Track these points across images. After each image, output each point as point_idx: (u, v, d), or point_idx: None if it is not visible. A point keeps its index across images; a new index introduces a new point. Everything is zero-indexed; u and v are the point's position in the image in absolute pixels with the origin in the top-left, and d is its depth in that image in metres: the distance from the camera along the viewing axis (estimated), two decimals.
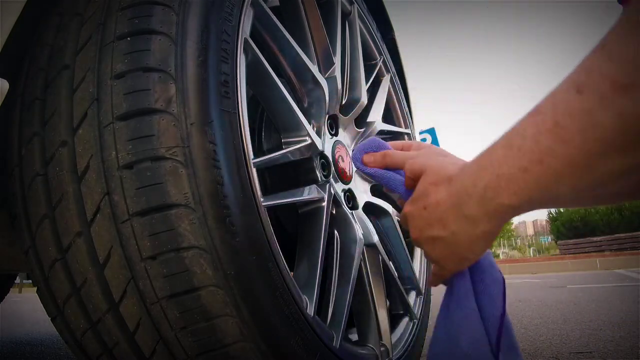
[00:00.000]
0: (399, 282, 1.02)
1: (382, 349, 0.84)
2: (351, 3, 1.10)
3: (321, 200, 0.77)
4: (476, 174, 0.47)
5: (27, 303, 5.35)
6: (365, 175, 0.77)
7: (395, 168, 0.67)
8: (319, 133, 0.83)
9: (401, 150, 0.70)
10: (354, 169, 0.97)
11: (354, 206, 0.93)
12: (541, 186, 0.41)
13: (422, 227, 0.55)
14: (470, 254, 0.52)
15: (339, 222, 0.85)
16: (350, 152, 0.95)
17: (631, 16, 0.35)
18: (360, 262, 0.84)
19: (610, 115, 0.35)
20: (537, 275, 8.06)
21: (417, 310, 1.09)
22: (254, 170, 0.58)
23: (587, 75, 0.37)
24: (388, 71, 1.33)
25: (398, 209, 1.19)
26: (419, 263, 1.24)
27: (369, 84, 1.16)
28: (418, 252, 1.28)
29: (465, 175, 0.49)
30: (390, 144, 0.73)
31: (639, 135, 0.35)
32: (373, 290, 0.87)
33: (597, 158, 0.37)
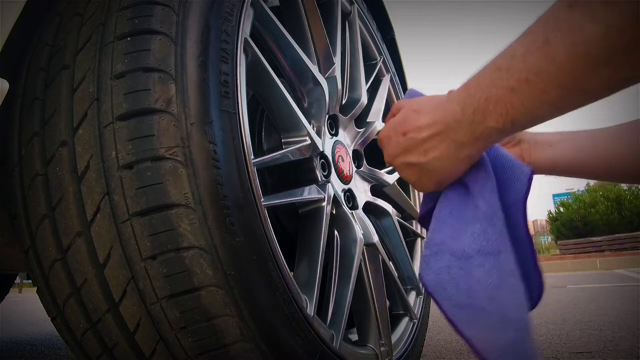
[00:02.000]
0: (399, 282, 1.02)
1: (382, 349, 0.84)
2: (351, 3, 1.10)
3: (321, 200, 0.77)
4: (464, 100, 0.47)
5: (27, 303, 5.35)
6: None
7: None
8: (318, 133, 0.83)
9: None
10: (354, 169, 0.97)
11: (354, 206, 0.93)
12: (526, 106, 0.41)
13: (398, 153, 0.55)
14: (449, 177, 0.52)
15: (339, 222, 0.85)
16: (350, 152, 0.94)
17: None
18: (360, 262, 0.84)
19: (599, 29, 0.35)
20: None
21: (417, 310, 1.09)
22: (254, 170, 0.58)
23: None
24: (388, 71, 1.33)
25: (398, 208, 1.19)
26: (419, 263, 1.24)
27: (369, 84, 1.16)
28: (418, 252, 1.28)
29: (453, 102, 0.49)
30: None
31: (624, 48, 0.35)
32: (373, 290, 0.87)
33: (582, 75, 0.37)
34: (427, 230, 0.58)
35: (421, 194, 1.13)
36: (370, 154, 1.11)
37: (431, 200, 0.60)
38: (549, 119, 0.44)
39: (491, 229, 0.48)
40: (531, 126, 0.46)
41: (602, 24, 0.35)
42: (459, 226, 0.50)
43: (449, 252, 0.49)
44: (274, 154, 0.68)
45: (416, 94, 0.65)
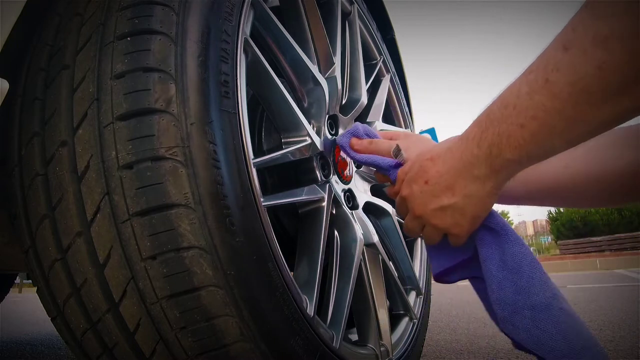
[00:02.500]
0: (399, 282, 1.02)
1: (382, 349, 0.84)
2: (351, 3, 1.10)
3: (321, 200, 0.77)
4: (479, 136, 0.49)
5: (27, 303, 5.35)
6: (350, 159, 0.78)
7: (380, 155, 0.68)
8: (319, 133, 0.83)
9: (390, 139, 0.71)
10: (354, 169, 0.97)
11: (354, 206, 0.93)
12: (538, 140, 0.44)
13: (426, 201, 0.57)
14: (482, 212, 0.54)
15: (339, 222, 0.85)
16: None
17: None
18: (360, 262, 0.84)
19: (592, 67, 0.38)
20: None
21: (417, 310, 1.09)
22: (254, 170, 0.58)
23: (573, 32, 0.40)
24: (388, 71, 1.33)
25: None
26: (419, 263, 1.24)
27: (369, 84, 1.16)
28: (418, 252, 1.28)
29: (467, 140, 0.52)
30: (379, 133, 0.73)
31: (618, 84, 0.38)
32: (373, 290, 0.87)
33: (584, 108, 0.40)
34: (446, 283, 0.65)
35: None
36: None
37: (444, 258, 0.63)
38: (565, 149, 0.46)
39: (540, 273, 0.55)
40: (549, 157, 0.49)
41: (595, 65, 0.38)
42: (517, 278, 0.55)
43: (528, 307, 0.53)
44: (274, 154, 0.68)
45: (368, 132, 0.71)
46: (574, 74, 0.40)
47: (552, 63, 0.42)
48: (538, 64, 0.44)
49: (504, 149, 0.47)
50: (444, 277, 0.65)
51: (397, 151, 0.65)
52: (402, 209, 0.64)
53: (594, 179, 0.60)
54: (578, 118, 0.41)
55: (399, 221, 1.12)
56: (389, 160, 0.66)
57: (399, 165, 0.65)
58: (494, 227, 0.57)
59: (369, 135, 0.72)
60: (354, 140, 0.72)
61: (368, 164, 0.70)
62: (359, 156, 0.71)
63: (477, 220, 0.56)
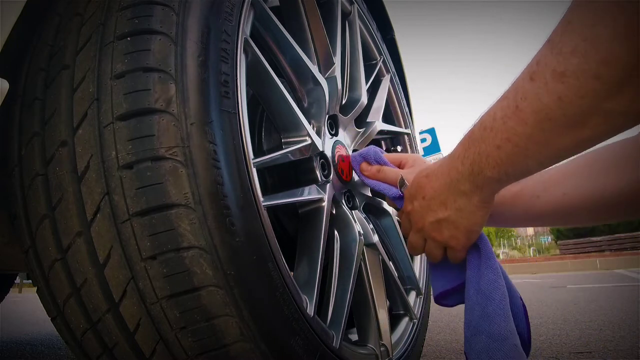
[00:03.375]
0: (399, 282, 1.02)
1: (382, 349, 0.84)
2: (351, 3, 1.10)
3: (321, 200, 0.77)
4: (463, 155, 0.53)
5: (27, 303, 5.35)
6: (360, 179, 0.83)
7: (387, 183, 0.72)
8: (319, 133, 0.83)
9: (399, 164, 0.75)
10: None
11: (353, 206, 0.93)
12: (513, 160, 0.48)
13: (424, 215, 0.61)
14: (474, 225, 0.58)
15: (339, 222, 0.85)
16: (350, 152, 0.96)
17: (567, 15, 0.40)
18: (360, 262, 0.84)
19: (553, 99, 0.41)
20: (537, 275, 8.06)
21: (417, 310, 1.09)
22: (254, 170, 0.58)
23: (537, 64, 0.43)
24: (388, 71, 1.33)
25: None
26: (419, 263, 1.24)
27: (369, 84, 1.16)
28: None
29: (454, 158, 0.56)
30: (387, 157, 0.76)
31: (577, 116, 0.40)
32: (373, 290, 0.87)
33: (550, 135, 0.43)
34: (445, 306, 0.70)
35: None
36: None
37: (445, 280, 0.68)
38: (539, 170, 0.50)
39: (506, 305, 0.59)
40: (526, 176, 0.52)
41: (555, 97, 0.41)
42: (486, 304, 0.58)
43: (486, 334, 0.57)
44: (274, 154, 0.68)
45: (378, 158, 0.75)
46: (539, 103, 0.42)
47: (521, 91, 0.45)
48: (510, 91, 0.47)
49: (484, 167, 0.50)
50: (443, 300, 0.69)
51: (402, 183, 0.69)
52: (406, 225, 0.68)
53: (592, 203, 0.62)
54: (546, 143, 0.44)
55: (398, 221, 1.12)
56: (395, 191, 0.71)
57: (402, 197, 0.69)
58: (481, 250, 0.60)
59: (378, 162, 0.76)
60: (364, 165, 0.78)
61: (375, 189, 0.75)
62: (367, 180, 0.75)
63: (472, 234, 0.59)
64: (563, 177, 0.64)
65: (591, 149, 0.64)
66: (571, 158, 0.66)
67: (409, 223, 0.66)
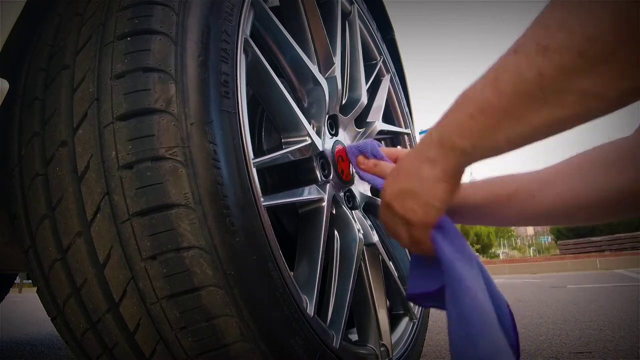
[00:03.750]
0: (399, 282, 1.02)
1: (382, 349, 0.84)
2: (351, 3, 1.10)
3: (321, 200, 0.77)
4: (438, 123, 0.54)
5: (27, 303, 5.35)
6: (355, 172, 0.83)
7: (383, 178, 0.71)
8: (319, 133, 0.83)
9: (395, 159, 0.75)
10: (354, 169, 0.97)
11: (353, 206, 0.93)
12: (483, 131, 0.47)
13: (392, 185, 0.60)
14: (434, 198, 0.56)
15: (339, 222, 0.85)
16: (347, 145, 0.96)
17: None
18: (360, 262, 0.84)
19: (533, 73, 0.41)
20: (537, 275, 8.06)
21: (417, 310, 1.09)
22: (254, 170, 0.58)
23: (523, 37, 0.43)
24: (388, 71, 1.33)
25: None
26: None
27: (369, 84, 1.16)
28: None
29: (430, 128, 0.56)
30: (385, 152, 0.76)
31: (555, 92, 0.41)
32: (373, 290, 0.87)
33: (525, 109, 0.43)
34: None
35: None
36: None
37: (422, 283, 0.66)
38: (508, 151, 0.50)
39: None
40: (492, 154, 0.52)
41: (536, 72, 0.41)
42: (468, 327, 0.56)
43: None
44: (274, 154, 0.68)
45: (376, 153, 0.74)
46: (518, 76, 0.43)
47: (503, 64, 0.45)
48: (494, 64, 0.47)
49: (453, 135, 0.50)
50: (417, 299, 0.67)
51: None
52: (382, 203, 0.66)
53: (588, 203, 0.62)
54: (519, 118, 0.44)
55: None
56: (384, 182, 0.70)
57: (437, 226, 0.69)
58: (459, 255, 0.59)
59: (375, 156, 0.75)
60: (361, 159, 0.77)
61: (370, 183, 0.74)
62: (362, 173, 0.75)
63: (431, 209, 0.57)
64: (558, 177, 0.64)
65: (588, 149, 0.64)
66: (567, 158, 0.66)
67: (383, 200, 0.65)
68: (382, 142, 1.37)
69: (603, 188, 0.59)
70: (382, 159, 0.75)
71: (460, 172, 0.55)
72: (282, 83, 0.71)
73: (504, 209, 0.67)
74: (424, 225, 0.59)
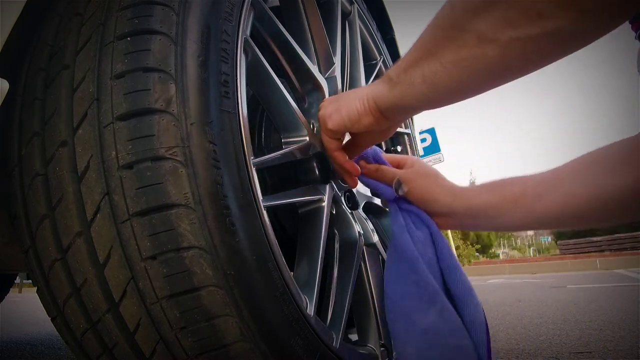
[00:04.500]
0: None
1: (382, 349, 0.84)
2: (351, 3, 1.10)
3: (321, 200, 0.77)
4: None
5: (27, 303, 5.35)
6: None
7: (384, 183, 0.72)
8: (319, 133, 0.83)
9: (397, 165, 0.75)
10: None
11: (353, 206, 0.93)
12: (407, 65, 0.53)
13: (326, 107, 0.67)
14: (350, 109, 0.63)
15: (339, 222, 0.85)
16: None
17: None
18: (360, 262, 0.84)
19: (446, 8, 0.48)
20: (537, 275, 8.06)
21: None
22: (254, 170, 0.58)
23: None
24: None
25: None
26: None
27: (369, 84, 1.16)
28: None
29: None
30: (387, 157, 0.76)
31: (460, 30, 0.46)
32: (373, 290, 0.87)
33: (436, 43, 0.49)
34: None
35: None
36: None
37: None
38: (421, 92, 0.53)
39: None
40: (409, 96, 0.55)
41: (448, 6, 0.47)
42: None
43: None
44: (274, 154, 0.68)
45: (377, 158, 0.76)
46: (439, 13, 0.48)
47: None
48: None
49: (391, 69, 0.56)
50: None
51: (398, 185, 0.68)
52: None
53: (600, 203, 0.60)
54: (434, 54, 0.49)
55: None
56: (390, 192, 0.70)
57: (398, 199, 0.69)
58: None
59: (377, 161, 0.75)
60: (362, 163, 0.77)
61: (371, 188, 0.74)
62: (364, 179, 0.75)
63: (335, 115, 0.64)
64: (566, 177, 0.62)
65: (593, 150, 0.63)
66: (573, 159, 0.65)
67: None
68: (383, 142, 1.37)
69: (616, 185, 0.58)
70: (383, 164, 0.74)
71: (380, 106, 0.60)
72: (282, 83, 0.71)
73: (510, 211, 0.65)
74: (324, 124, 0.66)
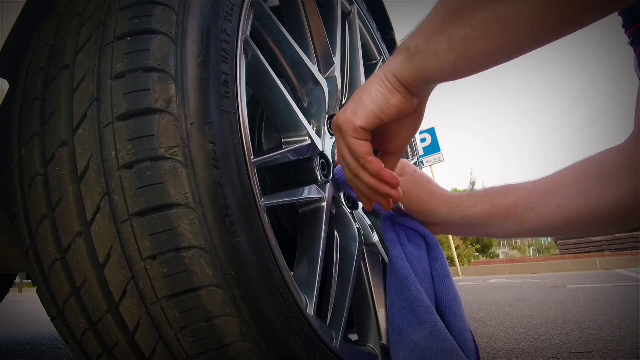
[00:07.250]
0: None
1: (382, 349, 0.84)
2: (351, 3, 1.10)
3: (321, 200, 0.77)
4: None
5: (27, 303, 5.35)
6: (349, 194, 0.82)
7: None
8: (319, 133, 0.83)
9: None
10: None
11: (353, 206, 0.93)
12: (430, 32, 0.50)
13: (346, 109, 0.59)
14: (365, 97, 0.55)
15: (339, 221, 0.85)
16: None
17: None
18: (360, 262, 0.84)
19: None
20: (537, 275, 8.06)
21: None
22: (254, 170, 0.58)
23: None
24: None
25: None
26: None
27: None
28: None
29: None
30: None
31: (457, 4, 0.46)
32: (373, 290, 0.87)
33: (466, 9, 0.46)
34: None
35: None
36: None
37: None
38: (448, 62, 0.49)
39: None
40: (434, 68, 0.51)
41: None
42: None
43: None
44: (274, 154, 0.68)
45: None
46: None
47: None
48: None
49: (405, 39, 0.53)
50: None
51: (396, 205, 0.69)
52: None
53: (588, 214, 0.60)
54: (461, 18, 0.46)
55: None
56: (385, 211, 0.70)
57: (390, 214, 0.71)
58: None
59: None
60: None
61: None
62: (351, 191, 0.72)
63: (359, 107, 0.55)
64: (557, 188, 0.62)
65: (585, 158, 0.63)
66: (565, 168, 0.65)
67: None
68: None
69: (603, 197, 0.58)
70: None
71: (402, 80, 0.53)
72: (282, 83, 0.71)
73: (503, 222, 0.66)
74: (350, 125, 0.55)
